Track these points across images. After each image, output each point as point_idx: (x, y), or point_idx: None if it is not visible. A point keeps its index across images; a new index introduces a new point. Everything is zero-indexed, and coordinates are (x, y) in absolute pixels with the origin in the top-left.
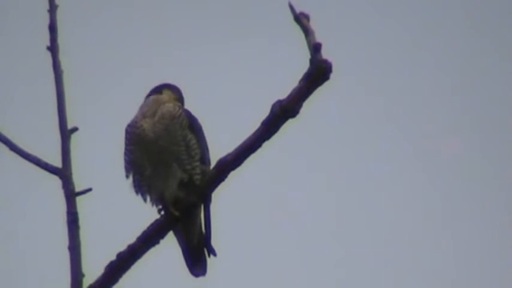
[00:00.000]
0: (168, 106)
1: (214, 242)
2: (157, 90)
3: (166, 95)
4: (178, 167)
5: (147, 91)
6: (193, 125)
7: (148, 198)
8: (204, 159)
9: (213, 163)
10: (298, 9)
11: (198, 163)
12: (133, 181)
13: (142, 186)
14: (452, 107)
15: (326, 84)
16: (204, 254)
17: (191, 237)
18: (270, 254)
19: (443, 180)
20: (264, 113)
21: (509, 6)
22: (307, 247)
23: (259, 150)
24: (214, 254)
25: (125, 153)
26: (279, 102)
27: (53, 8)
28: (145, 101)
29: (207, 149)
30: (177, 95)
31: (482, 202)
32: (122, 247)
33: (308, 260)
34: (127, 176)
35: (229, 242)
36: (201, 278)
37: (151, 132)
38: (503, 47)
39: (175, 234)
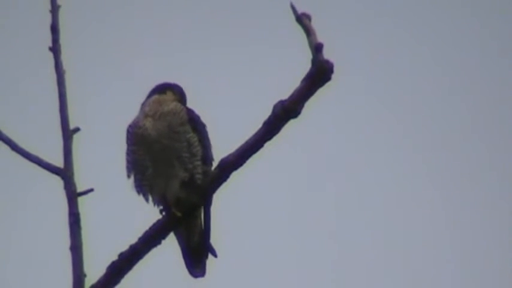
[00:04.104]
0: (170, 104)
1: (214, 244)
2: (159, 90)
3: (168, 95)
4: (180, 166)
5: (148, 91)
6: (195, 122)
7: (150, 198)
8: (207, 158)
9: (215, 164)
10: (300, 10)
11: (199, 162)
12: (135, 181)
13: (143, 186)
14: (454, 106)
15: (328, 84)
16: (204, 255)
17: (191, 238)
18: (269, 255)
19: (444, 179)
20: (265, 113)
21: (509, 6)
22: (308, 249)
23: (260, 151)
24: (215, 255)
25: (127, 153)
26: (281, 102)
27: (54, 9)
28: (147, 101)
29: (210, 147)
30: (179, 95)
31: (483, 202)
32: (124, 247)
33: (308, 262)
34: (128, 176)
35: (228, 243)
36: (200, 279)
37: (153, 130)
38: (505, 47)
39: (176, 234)
